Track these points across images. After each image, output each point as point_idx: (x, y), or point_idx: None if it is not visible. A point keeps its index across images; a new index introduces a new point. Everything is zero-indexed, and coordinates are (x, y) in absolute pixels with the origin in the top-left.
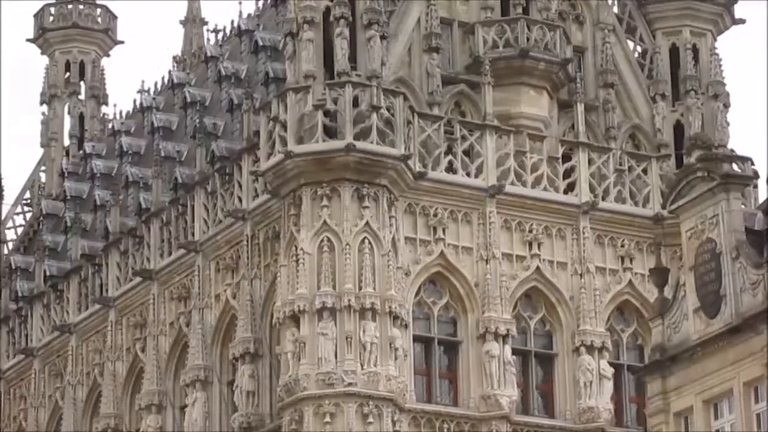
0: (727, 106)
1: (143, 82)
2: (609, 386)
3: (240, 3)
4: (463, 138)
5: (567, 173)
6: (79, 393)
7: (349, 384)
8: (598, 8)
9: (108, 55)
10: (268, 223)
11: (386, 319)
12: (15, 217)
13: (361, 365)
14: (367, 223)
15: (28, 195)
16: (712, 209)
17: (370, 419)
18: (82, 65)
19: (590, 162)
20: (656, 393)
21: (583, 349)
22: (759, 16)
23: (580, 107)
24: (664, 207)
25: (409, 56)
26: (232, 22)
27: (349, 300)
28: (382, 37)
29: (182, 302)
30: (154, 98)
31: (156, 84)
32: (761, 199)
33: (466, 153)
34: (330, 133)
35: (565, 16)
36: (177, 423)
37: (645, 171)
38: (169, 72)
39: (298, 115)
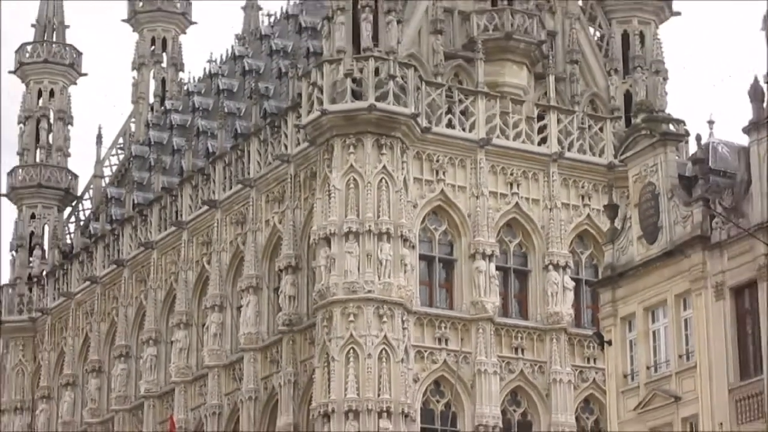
0: (665, 79)
1: (212, 53)
2: (570, 296)
3: None
4: (460, 101)
5: (541, 129)
6: (158, 295)
7: (369, 291)
8: (567, 1)
9: (184, 33)
10: (307, 165)
11: (398, 241)
12: (111, 158)
13: (378, 277)
14: (384, 166)
15: (121, 141)
16: (652, 159)
17: (385, 319)
18: (164, 41)
19: (559, 121)
20: (607, 301)
21: (551, 266)
22: (692, 10)
23: (552, 78)
24: (615, 157)
25: (419, 37)
26: (282, 8)
27: (369, 226)
28: (398, 22)
29: (239, 226)
30: (220, 67)
31: (221, 56)
32: (691, 152)
33: (463, 113)
34: (356, 95)
35: (540, 6)
36: (234, 319)
37: (601, 129)
38: (232, 47)
39: (332, 81)
